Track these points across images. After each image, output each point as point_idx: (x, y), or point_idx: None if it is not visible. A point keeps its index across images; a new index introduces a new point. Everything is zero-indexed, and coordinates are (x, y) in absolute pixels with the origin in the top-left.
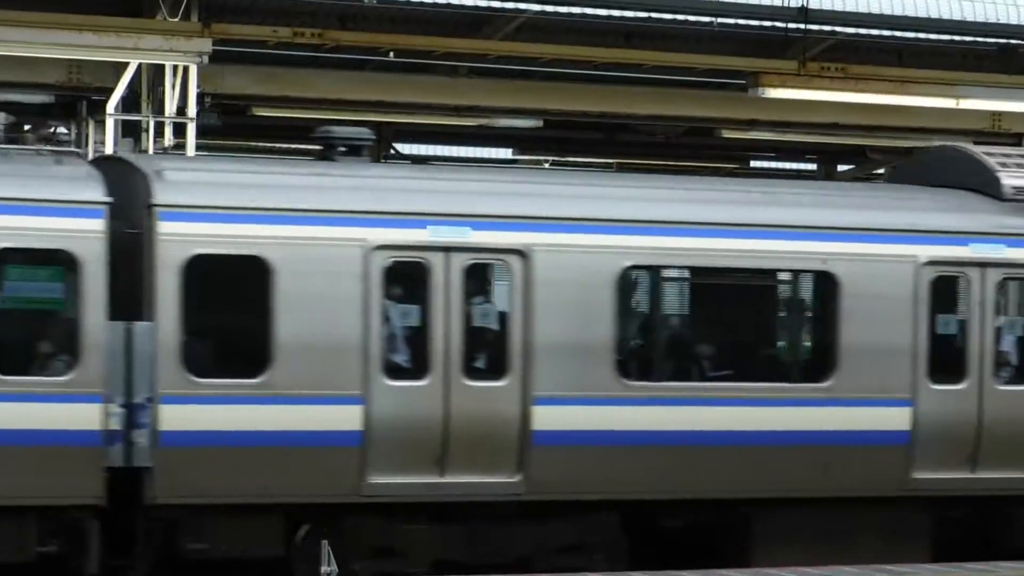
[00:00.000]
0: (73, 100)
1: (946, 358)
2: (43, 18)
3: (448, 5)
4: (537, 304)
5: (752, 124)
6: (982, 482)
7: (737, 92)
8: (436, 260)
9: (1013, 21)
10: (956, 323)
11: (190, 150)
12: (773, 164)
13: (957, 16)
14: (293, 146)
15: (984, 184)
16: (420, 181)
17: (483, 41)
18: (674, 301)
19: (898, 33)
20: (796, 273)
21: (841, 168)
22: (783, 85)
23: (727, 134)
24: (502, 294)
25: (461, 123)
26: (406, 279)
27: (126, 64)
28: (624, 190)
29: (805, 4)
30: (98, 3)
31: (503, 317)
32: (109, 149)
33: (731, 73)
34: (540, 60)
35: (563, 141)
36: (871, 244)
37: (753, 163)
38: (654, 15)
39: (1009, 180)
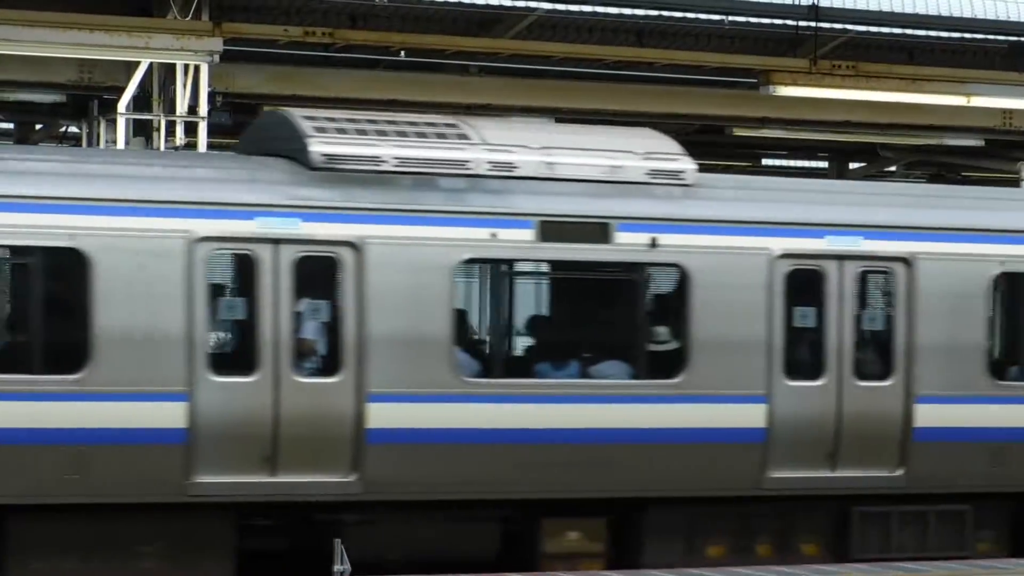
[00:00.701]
0: (84, 99)
1: (231, 347)
2: (54, 17)
3: (459, 4)
4: None
5: (763, 122)
6: (284, 487)
7: (748, 90)
8: None
9: None
10: (244, 307)
11: (202, 149)
12: (785, 162)
13: (968, 14)
14: None
15: (298, 151)
16: None
17: (494, 40)
18: None
19: (909, 31)
20: (38, 250)
21: (853, 166)
22: (794, 83)
23: (738, 132)
24: None
25: None
26: None
27: (137, 63)
28: None
29: (816, 2)
30: (109, 2)
31: None
32: (120, 147)
33: (742, 71)
34: (551, 59)
35: None
36: (129, 218)
37: (764, 161)
38: (665, 13)
39: (319, 147)
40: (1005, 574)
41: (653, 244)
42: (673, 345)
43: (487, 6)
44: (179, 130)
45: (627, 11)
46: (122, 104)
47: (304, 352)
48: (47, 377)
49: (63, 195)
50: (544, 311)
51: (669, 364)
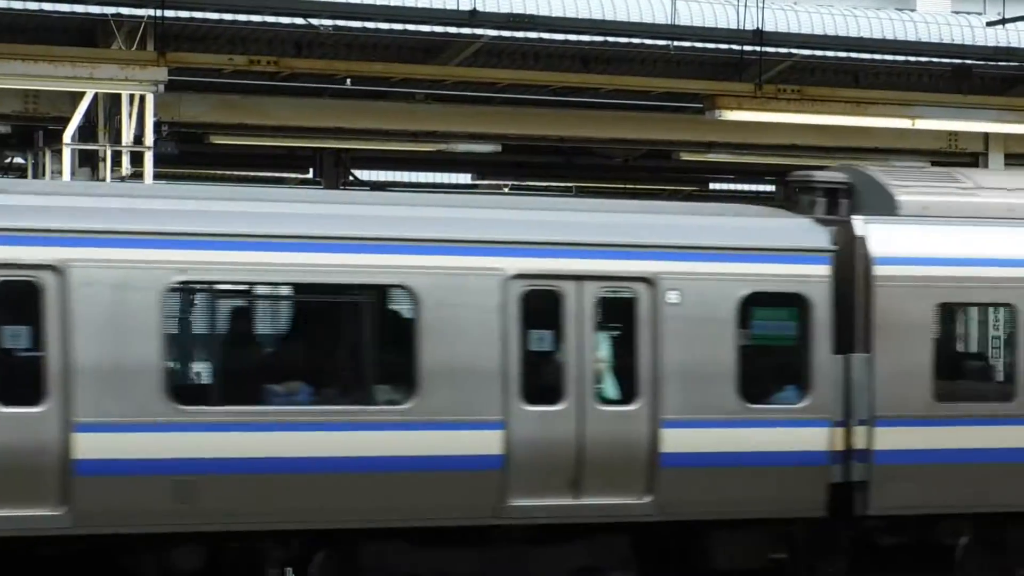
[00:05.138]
0: (30, 130)
1: None
2: None
3: (404, 31)
4: None
5: (710, 146)
6: None
7: (694, 115)
8: None
9: (967, 42)
10: None
11: (148, 179)
12: (732, 186)
13: (912, 37)
14: (250, 174)
15: None
16: None
17: (440, 67)
18: None
19: (853, 55)
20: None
21: None
22: (739, 107)
23: (685, 156)
24: None
25: (419, 149)
26: None
27: (82, 93)
28: None
29: (761, 27)
30: (53, 32)
31: None
32: (66, 178)
33: (688, 96)
34: (498, 85)
35: (522, 165)
36: None
37: (712, 185)
38: (611, 39)
39: None
40: None
41: None
42: None
43: (433, 33)
44: (125, 160)
45: (572, 37)
46: (67, 135)
47: None
48: None
49: None
50: None
51: None
